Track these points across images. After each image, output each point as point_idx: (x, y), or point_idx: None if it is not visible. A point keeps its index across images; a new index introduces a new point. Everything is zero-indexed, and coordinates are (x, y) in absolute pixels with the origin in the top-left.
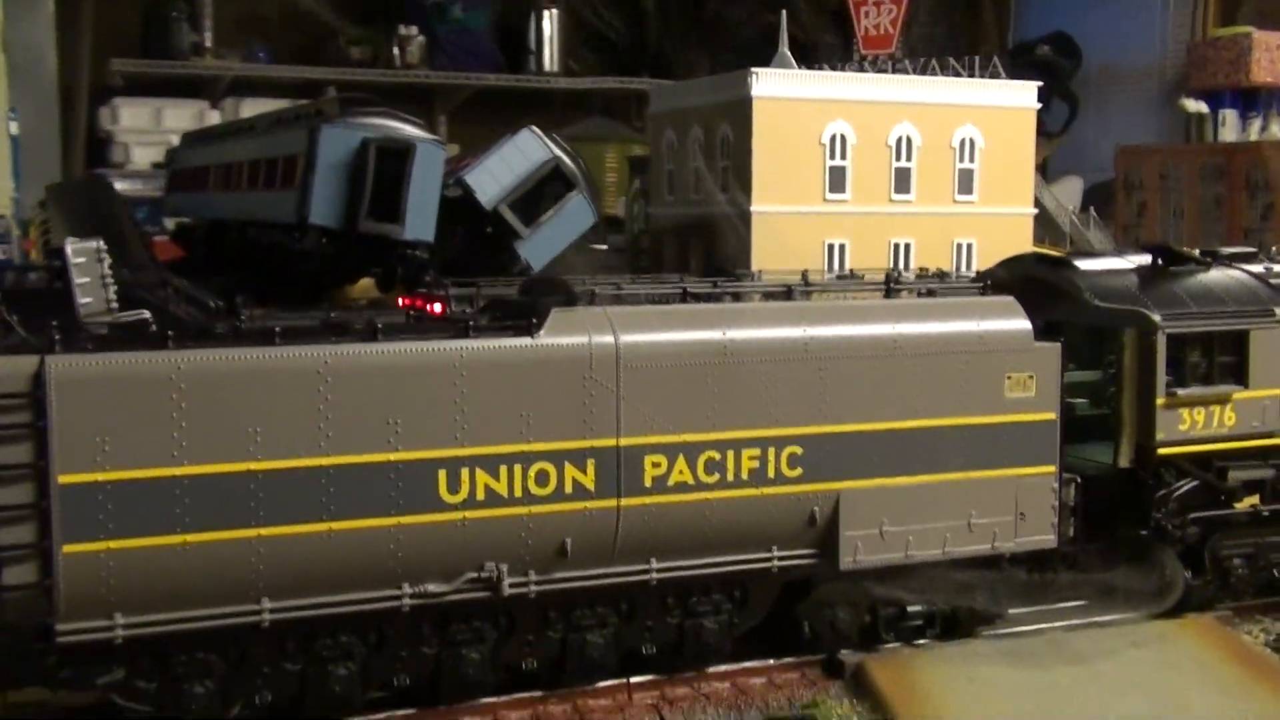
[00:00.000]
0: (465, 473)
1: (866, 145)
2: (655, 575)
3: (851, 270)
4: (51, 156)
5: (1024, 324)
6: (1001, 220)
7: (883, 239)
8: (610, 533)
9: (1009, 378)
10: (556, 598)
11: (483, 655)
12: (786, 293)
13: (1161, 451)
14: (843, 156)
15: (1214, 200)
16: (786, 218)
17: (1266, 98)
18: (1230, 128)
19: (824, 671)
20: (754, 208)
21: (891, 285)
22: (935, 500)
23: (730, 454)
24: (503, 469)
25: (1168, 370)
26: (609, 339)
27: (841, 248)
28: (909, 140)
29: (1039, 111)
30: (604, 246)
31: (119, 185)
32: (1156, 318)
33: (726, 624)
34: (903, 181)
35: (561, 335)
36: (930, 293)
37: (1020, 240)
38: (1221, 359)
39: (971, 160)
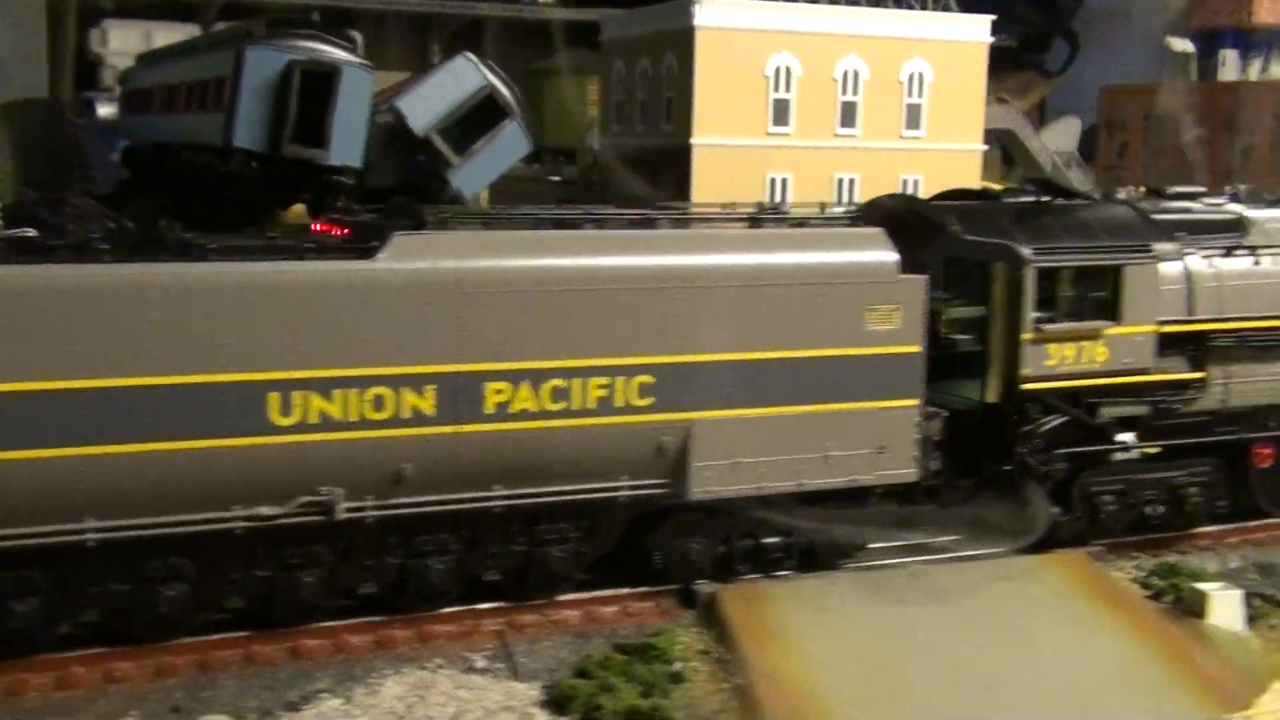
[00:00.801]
0: (298, 396)
1: (812, 78)
2: (497, 503)
3: (774, 203)
4: (39, 78)
5: (889, 256)
6: (949, 155)
7: (827, 173)
8: (450, 459)
9: (871, 310)
10: (396, 523)
11: (318, 579)
12: (648, 221)
13: (1027, 387)
14: (787, 89)
15: (1195, 141)
16: (728, 150)
17: (1268, 38)
18: (1231, 68)
19: (680, 601)
20: (694, 140)
21: (758, 216)
22: (791, 432)
23: (577, 382)
24: (337, 393)
25: (1040, 306)
26: (451, 264)
27: (784, 181)
28: (856, 73)
29: (1039, 51)
30: (558, 178)
31: (104, 109)
32: (1025, 251)
33: (574, 553)
34: (848, 115)
35: (402, 260)
36: (801, 224)
37: (968, 176)
38: (1095, 295)
39: (920, 95)
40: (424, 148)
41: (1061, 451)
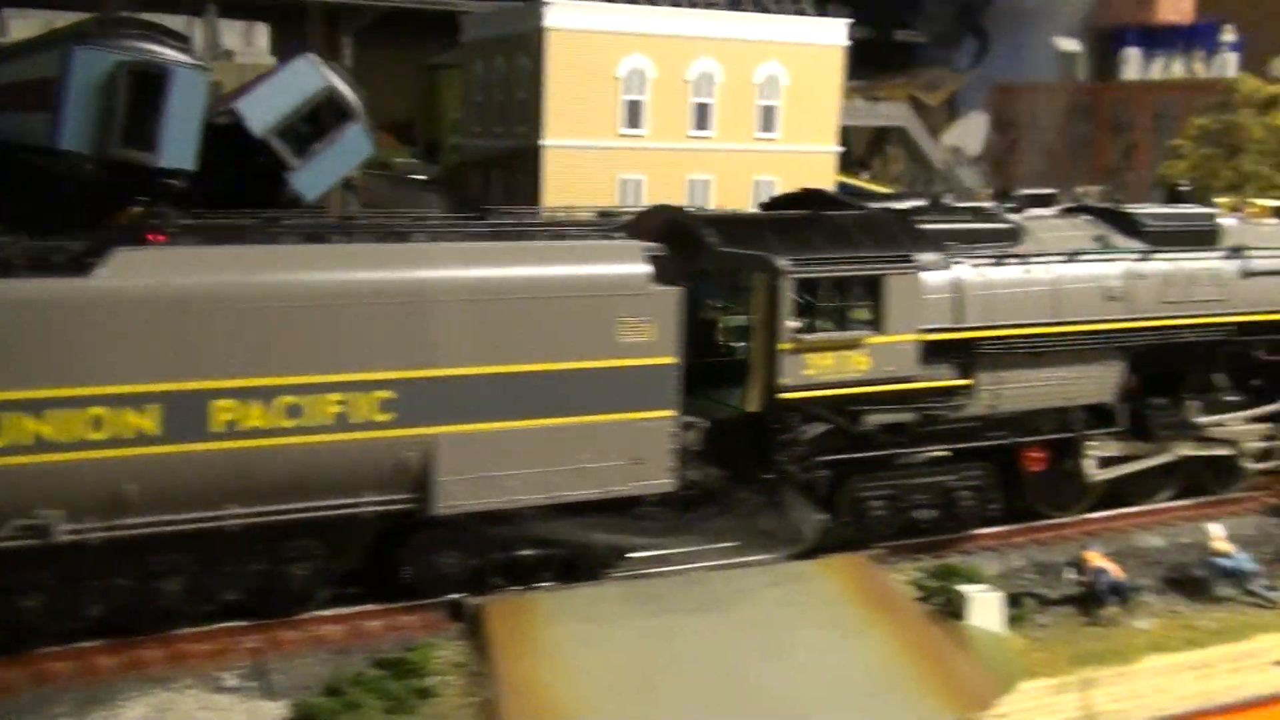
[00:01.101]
0: (6, 417)
1: (665, 80)
2: (230, 522)
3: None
4: None
5: (640, 268)
6: (804, 158)
7: (681, 175)
8: (177, 479)
9: (623, 322)
10: (125, 544)
11: (40, 604)
12: (399, 234)
13: (785, 396)
14: (640, 91)
15: (1080, 138)
16: (579, 152)
17: (1170, 36)
18: (1134, 66)
19: (449, 615)
20: (545, 141)
21: (508, 227)
22: (542, 445)
23: (311, 398)
24: (51, 414)
25: (800, 315)
26: (174, 281)
27: (638, 184)
28: (710, 76)
29: (948, 47)
30: (424, 177)
31: None
32: (781, 263)
33: (318, 570)
34: (702, 118)
35: (122, 277)
36: (558, 235)
37: (823, 177)
38: (856, 305)
39: (775, 97)
40: (264, 150)
41: (824, 459)
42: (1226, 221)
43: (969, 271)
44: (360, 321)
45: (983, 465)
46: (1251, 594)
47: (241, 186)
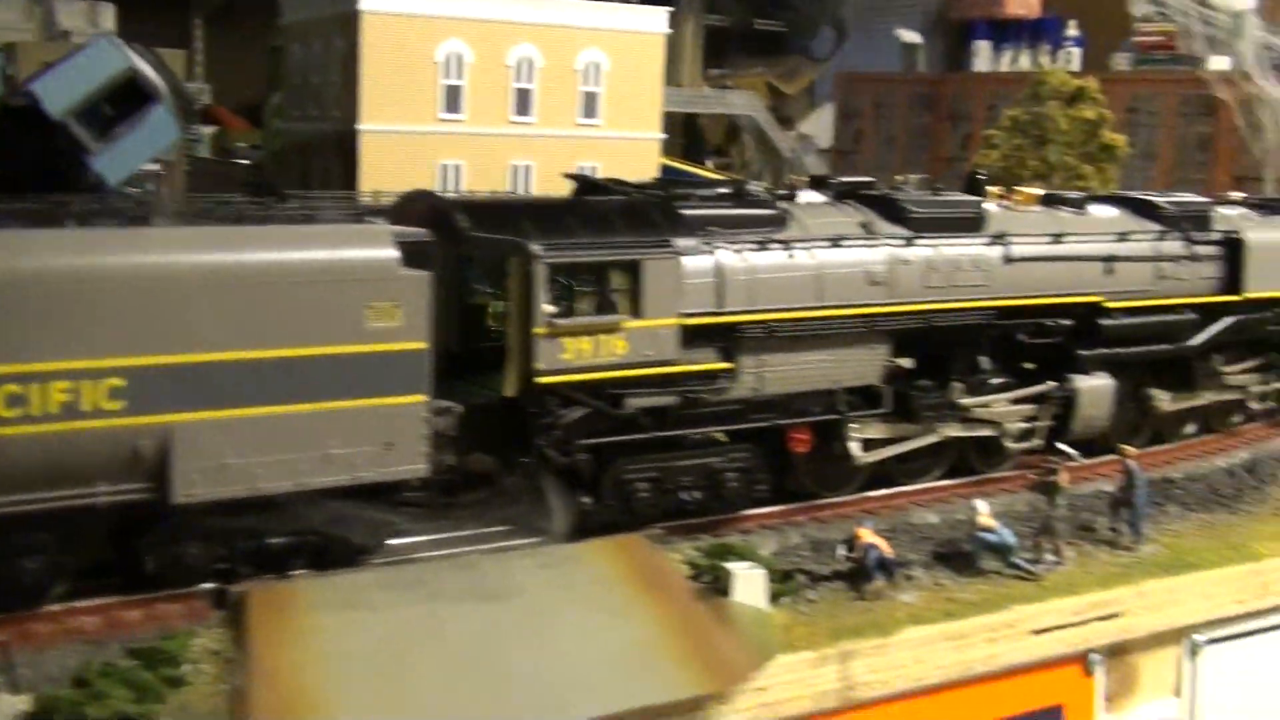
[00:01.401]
0: None
1: (484, 65)
2: None
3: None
4: None
5: (388, 253)
6: (627, 144)
7: (502, 161)
8: None
9: (371, 307)
10: None
11: None
12: (140, 218)
13: (543, 380)
14: (459, 76)
15: (921, 129)
16: (397, 137)
17: (1018, 30)
18: (984, 58)
19: (213, 602)
20: (361, 126)
21: (255, 211)
22: (287, 431)
23: (35, 387)
24: None
25: (557, 300)
26: None
27: (457, 169)
28: (530, 62)
29: (808, 37)
30: (246, 161)
31: None
32: (535, 248)
33: (51, 563)
34: (523, 103)
35: None
36: (309, 219)
37: (647, 163)
38: (613, 289)
39: (597, 84)
40: (64, 133)
41: (585, 442)
42: (992, 209)
43: (731, 256)
44: (88, 307)
45: (749, 447)
46: (1014, 567)
47: (42, 171)
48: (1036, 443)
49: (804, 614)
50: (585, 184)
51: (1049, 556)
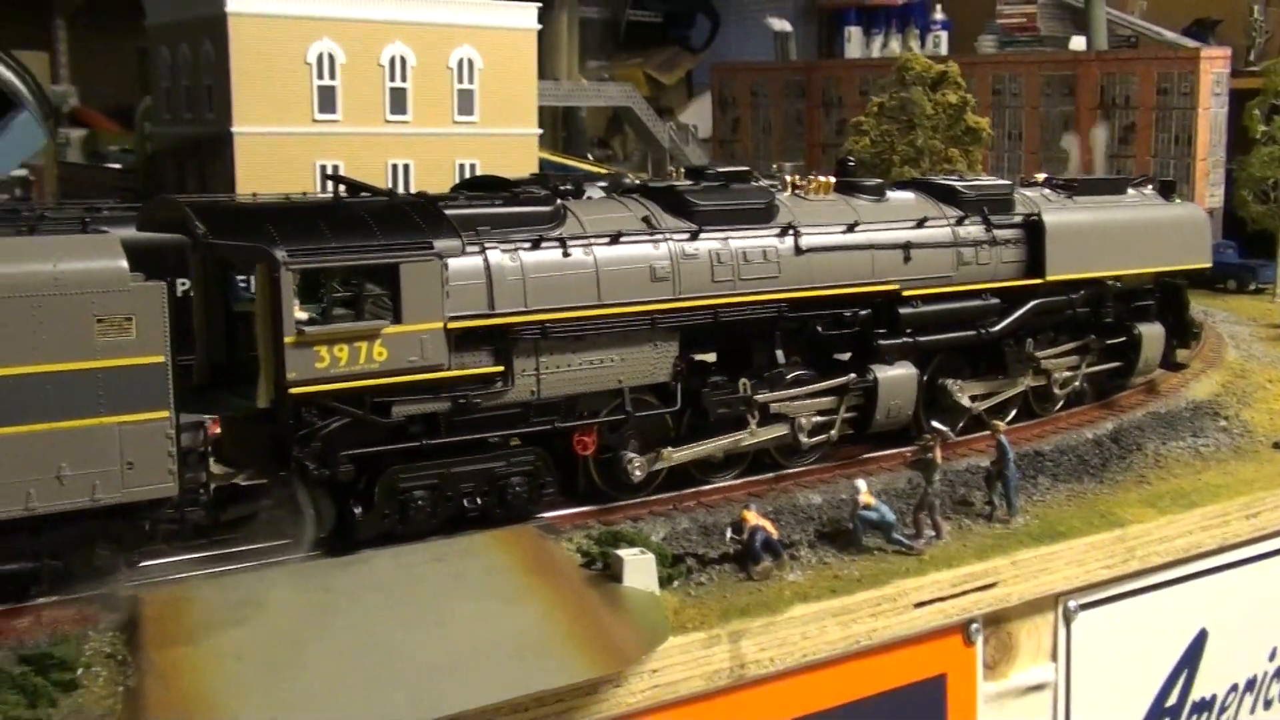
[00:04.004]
0: None
1: (357, 65)
2: None
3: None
4: None
5: (116, 263)
6: (504, 140)
7: (380, 160)
8: None
9: (102, 320)
10: None
11: None
12: None
13: (297, 390)
14: (332, 76)
15: (796, 116)
16: (273, 139)
17: (886, 15)
18: (856, 44)
19: (104, 606)
20: (236, 129)
21: None
22: (13, 454)
23: None
24: None
25: (309, 306)
26: None
27: (335, 168)
28: (403, 60)
29: (684, 27)
30: (118, 166)
31: None
32: (280, 254)
33: None
34: (398, 102)
35: None
36: (31, 230)
37: (526, 160)
38: (371, 294)
39: (471, 81)
40: None
41: (350, 453)
42: (783, 199)
43: (501, 257)
44: None
45: (534, 450)
46: (895, 543)
47: None
48: (833, 435)
49: (694, 596)
50: (352, 186)
51: (928, 531)
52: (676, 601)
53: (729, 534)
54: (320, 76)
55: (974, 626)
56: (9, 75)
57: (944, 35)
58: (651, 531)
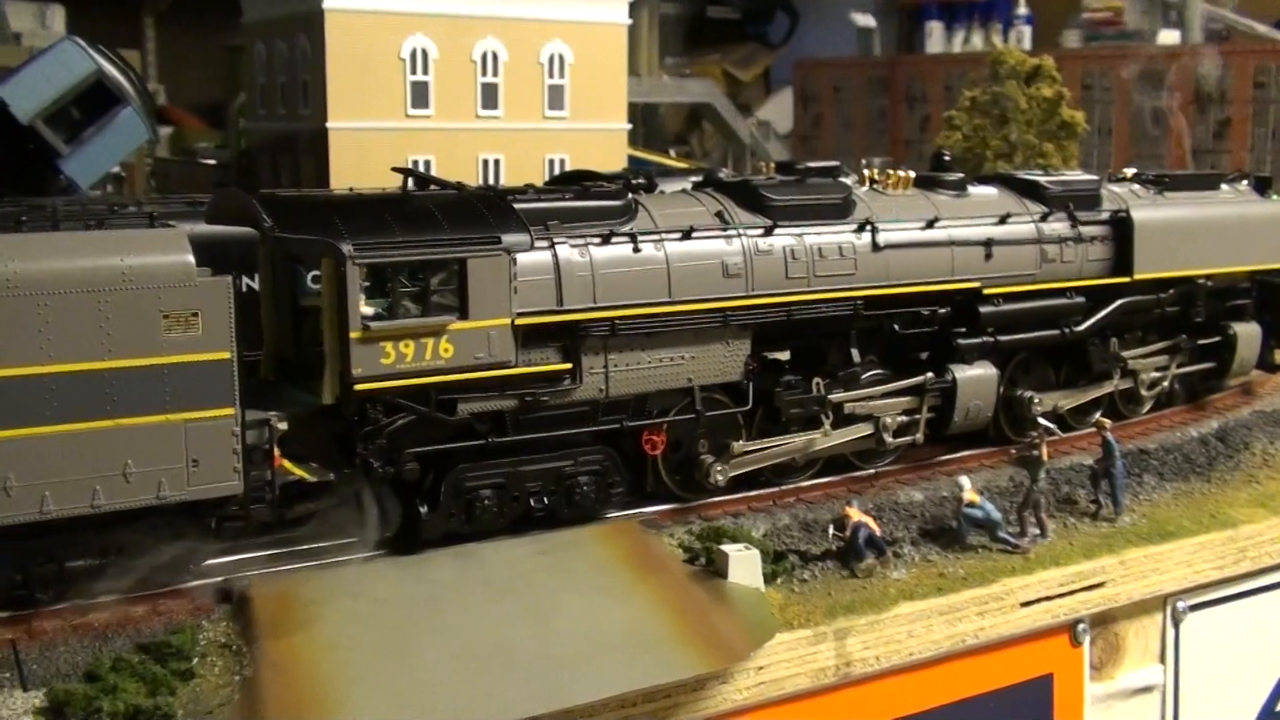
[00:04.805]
0: None
1: (449, 60)
2: None
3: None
4: None
5: (183, 258)
6: (594, 135)
7: (472, 154)
8: None
9: (168, 316)
10: None
11: None
12: None
13: (361, 387)
14: (425, 71)
15: (879, 112)
16: (366, 134)
17: (968, 10)
18: (937, 40)
19: (218, 597)
20: (330, 124)
21: (38, 215)
22: (79, 451)
23: None
24: None
25: (376, 301)
26: None
27: (428, 164)
28: (495, 55)
29: (762, 24)
30: (212, 161)
31: None
32: (345, 247)
33: None
34: (490, 97)
35: None
36: (100, 224)
37: (615, 155)
38: (438, 290)
39: (561, 76)
40: (33, 136)
41: (416, 450)
42: (861, 194)
43: (571, 251)
44: None
45: (603, 449)
46: (1000, 541)
47: (14, 173)
48: (918, 437)
49: (798, 593)
50: (418, 179)
51: (1033, 530)
52: (781, 598)
53: (831, 530)
54: (413, 72)
55: (1081, 627)
56: (112, 71)
57: (1027, 30)
58: (752, 528)
